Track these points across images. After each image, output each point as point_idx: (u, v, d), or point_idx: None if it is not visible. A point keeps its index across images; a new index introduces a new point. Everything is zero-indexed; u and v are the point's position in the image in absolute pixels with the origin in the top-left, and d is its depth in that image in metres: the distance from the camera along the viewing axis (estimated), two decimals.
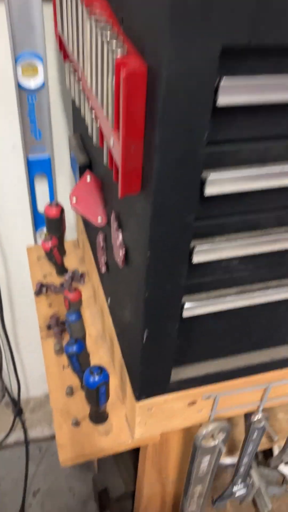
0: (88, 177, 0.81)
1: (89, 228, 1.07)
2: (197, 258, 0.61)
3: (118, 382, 0.94)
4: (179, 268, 0.61)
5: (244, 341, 0.80)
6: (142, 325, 0.67)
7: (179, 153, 0.49)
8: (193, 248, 0.60)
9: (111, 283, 0.88)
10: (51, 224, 1.10)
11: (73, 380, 0.96)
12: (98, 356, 1.01)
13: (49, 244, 1.09)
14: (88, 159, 0.90)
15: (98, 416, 0.88)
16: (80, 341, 0.88)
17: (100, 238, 0.86)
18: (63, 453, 0.86)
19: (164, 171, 0.50)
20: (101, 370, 0.81)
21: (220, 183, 0.54)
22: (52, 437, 1.87)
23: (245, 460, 0.99)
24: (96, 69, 0.57)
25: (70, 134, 0.98)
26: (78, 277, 1.16)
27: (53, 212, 1.09)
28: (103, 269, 0.89)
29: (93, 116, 0.64)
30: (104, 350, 1.02)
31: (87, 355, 0.90)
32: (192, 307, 0.67)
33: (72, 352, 0.87)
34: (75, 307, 1.05)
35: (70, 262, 1.22)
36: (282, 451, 1.12)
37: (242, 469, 1.02)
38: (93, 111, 0.64)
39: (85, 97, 0.68)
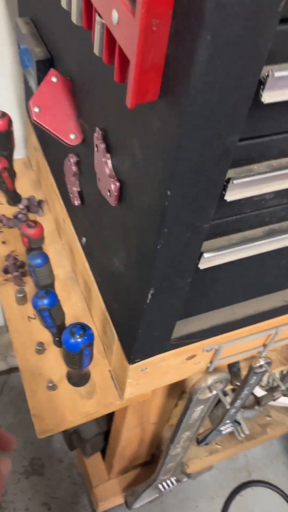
0: (53, 78, 0.59)
1: (49, 145, 0.85)
2: (232, 195, 0.43)
3: (99, 333, 0.79)
4: (206, 211, 0.44)
5: (256, 285, 0.67)
6: (147, 283, 0.50)
7: (245, 21, 0.30)
8: (229, 180, 0.42)
9: (88, 220, 0.69)
10: None
11: (43, 333, 0.80)
12: (70, 303, 0.84)
13: None
14: (48, 52, 0.67)
15: (79, 377, 0.74)
16: (52, 292, 0.71)
17: (71, 161, 0.66)
18: (39, 423, 0.72)
19: (213, 57, 0.31)
20: (84, 329, 0.65)
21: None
22: (9, 371, 1.75)
23: (239, 403, 0.90)
24: None
25: (16, 19, 0.73)
26: (35, 205, 0.96)
27: None
28: (76, 202, 0.69)
29: None
30: (76, 295, 0.86)
31: (61, 308, 0.73)
32: (212, 257, 0.51)
33: (43, 306, 0.70)
34: (36, 245, 0.86)
35: (22, 187, 1.00)
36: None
37: (233, 411, 0.94)
38: None
39: None
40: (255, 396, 1.31)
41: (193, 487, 1.58)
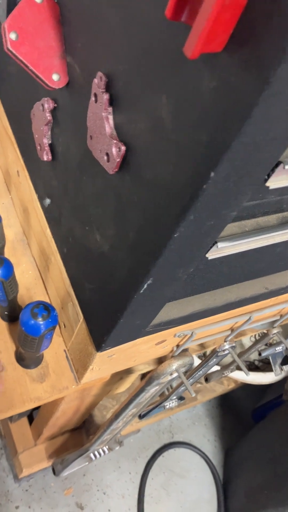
0: None
1: (6, 78, 0.70)
2: (276, 182, 0.36)
3: (56, 307, 0.70)
4: (243, 197, 0.36)
5: (244, 271, 0.60)
6: (145, 272, 0.42)
7: None
8: (278, 165, 0.34)
9: (58, 180, 0.58)
10: None
11: None
12: (20, 270, 0.73)
13: None
14: None
15: (32, 360, 0.65)
16: (7, 261, 0.60)
17: (44, 107, 0.54)
18: None
19: None
20: (48, 310, 0.55)
21: None
22: None
23: (190, 381, 0.87)
24: None
25: None
26: None
27: None
28: (45, 157, 0.58)
29: None
30: (27, 260, 0.75)
31: (15, 280, 0.62)
32: (224, 247, 0.43)
33: None
34: None
35: None
36: None
37: (182, 389, 0.90)
38: None
39: None
40: None
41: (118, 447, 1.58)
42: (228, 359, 1.38)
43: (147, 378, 0.74)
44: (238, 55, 0.27)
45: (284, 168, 0.34)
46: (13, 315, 0.68)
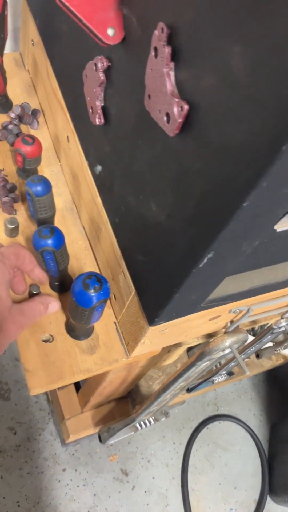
0: None
1: (57, 39, 0.67)
2: None
3: (104, 275, 0.68)
4: None
5: None
6: (206, 244, 0.39)
7: None
8: None
9: (111, 145, 0.55)
10: None
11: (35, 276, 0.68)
12: (69, 240, 0.72)
13: None
14: None
15: (83, 331, 0.64)
16: (58, 231, 0.58)
17: (98, 66, 0.50)
18: (32, 379, 0.62)
19: None
20: (100, 282, 0.53)
21: None
22: None
23: (242, 357, 0.84)
24: None
25: None
26: (29, 115, 0.79)
27: None
28: (98, 120, 0.54)
29: None
30: (77, 230, 0.73)
31: (66, 251, 0.61)
32: None
33: (47, 248, 0.57)
34: (32, 166, 0.71)
35: (12, 90, 0.82)
36: None
37: (233, 364, 0.88)
38: None
39: None
40: None
41: None
42: (281, 336, 1.34)
43: (198, 353, 0.71)
44: None
45: None
46: (63, 286, 0.66)
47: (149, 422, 1.19)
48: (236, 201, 0.34)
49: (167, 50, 0.37)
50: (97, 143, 0.58)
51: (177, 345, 0.96)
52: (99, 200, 0.62)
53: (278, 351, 0.94)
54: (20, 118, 0.78)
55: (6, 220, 0.68)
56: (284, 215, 0.39)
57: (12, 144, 0.76)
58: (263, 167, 0.30)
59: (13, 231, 0.69)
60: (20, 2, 0.81)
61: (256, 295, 0.59)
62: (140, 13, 0.41)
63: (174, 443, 1.55)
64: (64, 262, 0.61)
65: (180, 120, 0.37)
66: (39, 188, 0.61)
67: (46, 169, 0.76)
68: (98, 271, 0.69)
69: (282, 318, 0.71)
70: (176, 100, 0.37)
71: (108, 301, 0.67)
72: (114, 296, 0.65)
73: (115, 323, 0.67)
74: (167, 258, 0.47)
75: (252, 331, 1.23)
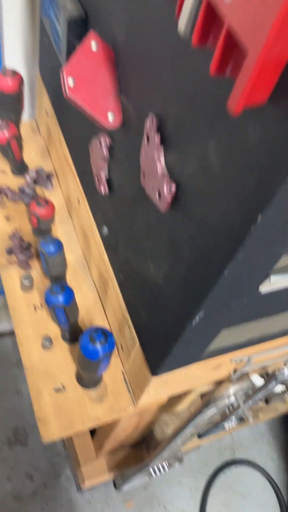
0: (93, 44, 0.48)
1: (67, 114, 0.74)
2: None
3: (113, 330, 0.72)
4: (286, 240, 0.36)
5: None
6: (197, 305, 0.43)
7: None
8: None
9: (115, 211, 0.60)
10: (5, 102, 0.76)
11: (50, 325, 0.73)
12: (81, 293, 0.77)
13: (4, 134, 0.76)
14: (82, 10, 0.55)
15: (91, 381, 0.68)
16: (68, 288, 0.63)
17: (101, 143, 0.56)
18: (45, 428, 0.66)
19: None
20: (105, 336, 0.58)
21: None
22: None
23: (250, 403, 0.86)
24: None
25: None
26: (44, 178, 0.86)
27: (9, 84, 0.74)
28: (103, 190, 0.60)
29: None
30: (88, 284, 0.78)
31: (76, 306, 0.66)
32: (278, 281, 0.43)
33: (58, 305, 0.62)
34: (46, 226, 0.77)
35: (28, 155, 0.90)
36: None
37: (242, 411, 0.89)
38: None
39: None
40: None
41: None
42: None
43: (204, 401, 0.74)
44: (282, 106, 0.27)
45: None
46: (74, 337, 0.71)
47: (163, 467, 1.20)
48: (218, 270, 0.38)
49: (157, 137, 0.43)
50: (103, 208, 0.64)
51: (188, 391, 0.99)
52: (106, 257, 0.67)
53: (287, 396, 0.95)
54: (35, 181, 0.85)
55: (22, 276, 0.74)
56: (266, 277, 0.43)
57: (28, 205, 0.83)
58: (237, 244, 0.35)
59: (28, 287, 0.74)
60: (37, 72, 0.89)
61: (255, 345, 0.62)
62: (134, 103, 0.47)
63: (190, 489, 1.54)
64: (73, 316, 0.65)
65: (169, 199, 0.42)
66: (51, 248, 0.66)
67: (59, 227, 0.82)
68: (106, 323, 0.74)
69: (285, 364, 0.74)
70: (166, 180, 0.42)
71: (116, 351, 0.71)
72: (121, 347, 0.69)
73: (122, 372, 0.70)
74: (165, 315, 0.51)
75: (267, 375, 1.25)
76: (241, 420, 1.03)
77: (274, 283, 0.43)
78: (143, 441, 1.33)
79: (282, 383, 0.79)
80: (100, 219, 0.67)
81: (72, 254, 0.80)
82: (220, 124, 0.33)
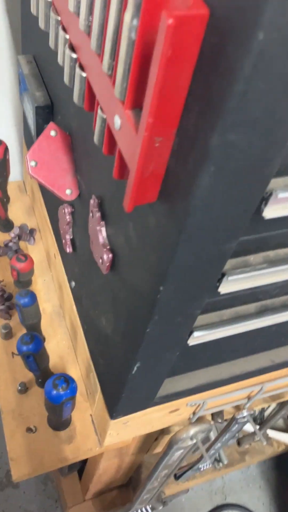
0: (52, 132, 0.57)
1: None
2: (226, 288, 0.43)
3: (83, 376, 0.79)
4: (200, 301, 0.43)
5: (244, 348, 0.66)
6: (133, 356, 0.50)
7: (251, 153, 0.29)
8: (223, 276, 0.42)
9: (78, 268, 0.68)
10: None
11: (26, 371, 0.79)
12: (55, 340, 0.83)
13: None
14: (48, 98, 0.65)
15: (60, 423, 0.73)
16: (37, 338, 0.70)
17: (65, 211, 0.65)
18: (17, 467, 0.71)
19: (216, 184, 0.30)
20: (67, 382, 0.64)
21: None
22: None
23: (218, 445, 0.90)
24: None
25: (18, 56, 0.71)
26: (27, 234, 0.94)
27: None
28: (68, 249, 0.68)
29: (76, 63, 0.40)
30: (62, 331, 0.85)
31: (45, 354, 0.72)
32: (201, 336, 0.50)
33: (27, 352, 0.69)
34: (25, 278, 0.84)
35: (15, 212, 0.99)
36: None
37: (213, 452, 0.94)
38: (76, 52, 0.40)
39: (58, 25, 0.43)
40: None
41: (167, 508, 1.58)
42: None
43: (167, 443, 0.79)
44: (164, 207, 0.35)
45: (227, 279, 0.41)
46: (44, 380, 0.77)
47: (147, 510, 1.23)
48: (143, 327, 0.45)
49: (98, 214, 0.50)
50: (71, 264, 0.72)
51: (164, 432, 1.03)
52: (75, 308, 0.75)
53: (257, 438, 0.99)
54: (19, 236, 0.93)
55: (1, 325, 0.81)
56: (190, 333, 0.50)
57: (10, 259, 0.91)
58: (152, 306, 0.42)
59: (6, 335, 0.81)
60: (23, 140, 0.99)
61: (206, 391, 0.68)
62: (84, 180, 0.56)
63: None
64: (43, 363, 0.72)
65: (108, 264, 0.50)
66: (25, 300, 0.74)
67: (39, 279, 0.90)
68: (78, 369, 0.80)
69: (244, 408, 0.79)
70: (105, 249, 0.50)
71: (85, 395, 0.77)
72: (88, 392, 0.75)
73: (90, 415, 0.76)
74: (114, 364, 0.58)
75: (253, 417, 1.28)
76: (218, 461, 1.07)
77: (197, 337, 0.49)
78: (130, 483, 1.36)
79: (245, 424, 0.84)
80: (69, 273, 0.75)
81: (49, 303, 0.87)
82: (134, 212, 0.41)
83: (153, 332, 0.45)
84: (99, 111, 0.37)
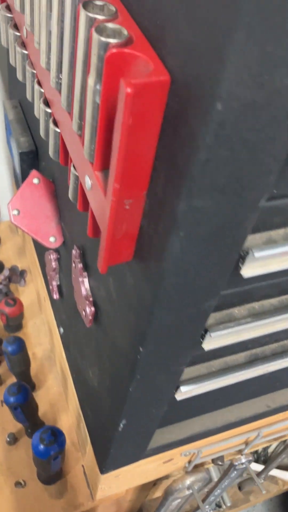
0: (35, 180, 0.56)
1: None
2: (210, 345, 0.41)
3: (74, 426, 0.76)
4: (183, 357, 0.41)
5: (238, 394, 0.63)
6: (118, 413, 0.47)
7: (220, 217, 0.27)
8: (206, 331, 0.40)
9: (65, 314, 0.66)
10: None
11: (15, 421, 0.76)
12: (46, 385, 0.81)
13: None
14: (33, 143, 0.65)
15: (49, 477, 0.70)
16: (25, 388, 0.67)
17: (51, 257, 0.64)
18: None
19: (187, 248, 0.29)
20: (55, 435, 0.62)
21: (269, 259, 0.33)
22: None
23: (218, 492, 0.87)
24: (60, 47, 0.33)
25: (5, 101, 0.71)
26: (18, 275, 0.93)
27: None
28: (55, 295, 0.67)
29: (50, 117, 0.40)
30: (53, 377, 0.82)
31: (34, 404, 0.70)
32: (189, 390, 0.48)
33: (14, 404, 0.66)
34: (15, 322, 0.83)
35: (6, 253, 0.98)
36: None
37: (212, 498, 0.90)
38: (50, 107, 0.40)
39: (33, 78, 0.43)
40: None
41: None
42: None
43: (163, 493, 0.76)
44: (139, 266, 0.34)
45: (210, 336, 0.39)
46: (34, 431, 0.74)
47: None
48: (126, 385, 0.43)
49: (80, 265, 0.49)
50: (59, 310, 0.70)
51: (162, 478, 1.00)
52: (64, 355, 0.73)
53: (260, 481, 0.95)
54: (9, 278, 0.92)
55: None
56: (177, 388, 0.48)
57: (1, 301, 0.89)
58: (133, 365, 0.40)
59: None
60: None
61: (200, 439, 0.65)
62: (68, 229, 0.55)
63: None
64: (31, 414, 0.70)
65: (90, 318, 0.48)
66: (13, 348, 0.72)
67: (30, 321, 0.88)
68: (69, 416, 0.77)
69: (241, 454, 0.76)
70: (87, 302, 0.48)
71: (77, 445, 0.74)
72: (80, 442, 0.72)
73: (82, 466, 0.73)
74: (101, 418, 0.55)
75: (256, 454, 1.24)
76: (219, 506, 1.02)
77: (185, 392, 0.47)
78: None
79: (244, 470, 0.81)
80: (58, 319, 0.73)
81: (40, 347, 0.85)
82: (113, 267, 0.40)
83: (136, 391, 0.43)
84: (72, 168, 0.36)
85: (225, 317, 0.41)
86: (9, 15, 0.49)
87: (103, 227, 0.31)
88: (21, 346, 0.72)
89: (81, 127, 0.32)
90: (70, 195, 0.38)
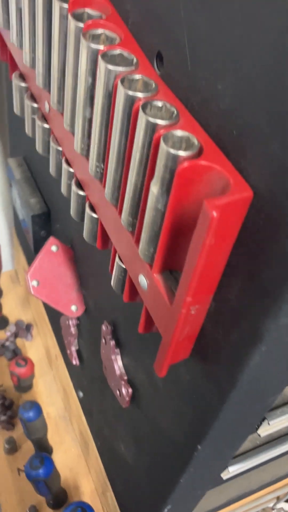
0: (53, 247, 0.54)
1: None
2: (265, 431, 0.39)
3: (97, 490, 0.72)
4: (235, 448, 0.39)
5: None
6: (163, 500, 0.45)
7: None
8: (264, 419, 0.38)
9: (87, 381, 0.63)
10: None
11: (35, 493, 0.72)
12: (63, 448, 0.77)
13: None
14: (44, 204, 0.62)
15: None
16: (48, 459, 0.64)
17: (69, 323, 0.61)
18: None
19: (269, 360, 0.27)
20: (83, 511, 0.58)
21: None
22: None
23: None
24: (104, 139, 0.31)
25: (8, 159, 0.68)
26: (24, 330, 0.90)
27: None
28: (74, 361, 0.64)
29: (86, 204, 0.37)
30: (70, 437, 0.78)
31: (57, 475, 0.66)
32: (236, 470, 0.45)
33: (38, 478, 0.63)
34: (26, 383, 0.79)
35: (8, 305, 0.94)
36: None
37: None
38: (84, 188, 0.38)
39: (60, 157, 0.41)
40: None
41: None
42: None
43: None
44: (200, 365, 0.32)
45: (268, 424, 0.37)
46: (58, 503, 0.70)
47: None
48: (175, 476, 0.40)
49: (112, 342, 0.47)
50: (78, 374, 0.67)
51: None
52: (84, 419, 0.69)
53: None
54: (16, 334, 0.88)
55: (5, 440, 0.75)
56: (224, 469, 0.45)
57: (10, 359, 0.86)
58: (186, 459, 0.37)
59: (11, 450, 0.75)
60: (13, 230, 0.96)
61: (235, 503, 0.63)
62: (93, 301, 0.52)
63: None
64: (55, 486, 0.66)
65: (127, 399, 0.45)
66: (30, 415, 0.68)
67: (40, 380, 0.85)
68: (91, 481, 0.74)
69: (272, 509, 0.74)
70: (123, 382, 0.46)
71: (101, 510, 0.71)
72: (105, 509, 0.69)
73: None
74: (137, 496, 0.52)
75: None
76: None
77: (233, 471, 0.45)
78: None
79: None
80: (76, 382, 0.70)
81: (53, 407, 0.82)
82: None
83: (186, 481, 0.40)
84: (117, 259, 0.34)
85: (279, 399, 0.39)
86: (23, 84, 0.47)
87: (165, 334, 0.29)
88: (38, 411, 0.69)
89: (133, 225, 0.30)
90: (113, 285, 0.35)
